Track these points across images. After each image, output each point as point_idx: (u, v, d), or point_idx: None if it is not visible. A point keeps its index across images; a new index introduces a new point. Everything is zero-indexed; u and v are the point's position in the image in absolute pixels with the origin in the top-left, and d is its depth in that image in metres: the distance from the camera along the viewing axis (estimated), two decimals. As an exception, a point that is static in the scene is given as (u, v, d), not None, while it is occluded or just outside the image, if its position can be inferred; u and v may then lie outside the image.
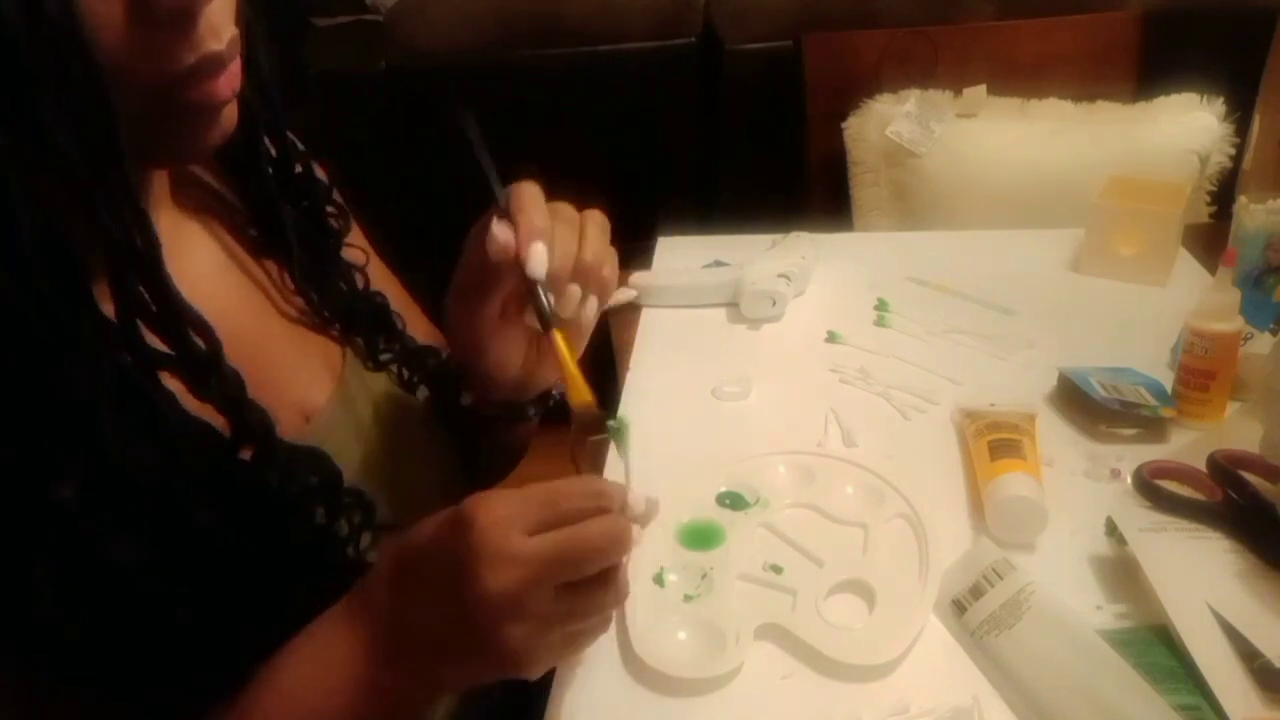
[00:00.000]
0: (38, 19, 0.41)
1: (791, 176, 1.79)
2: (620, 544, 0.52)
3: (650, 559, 0.71)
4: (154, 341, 0.50)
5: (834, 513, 0.76)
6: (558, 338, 0.63)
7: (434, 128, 0.69)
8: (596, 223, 0.66)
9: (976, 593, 0.66)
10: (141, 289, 0.49)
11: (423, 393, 0.76)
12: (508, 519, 0.50)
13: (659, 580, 0.69)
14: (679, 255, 1.18)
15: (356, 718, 0.53)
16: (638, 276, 1.08)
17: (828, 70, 1.72)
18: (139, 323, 0.49)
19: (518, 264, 0.61)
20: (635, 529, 0.54)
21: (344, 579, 0.56)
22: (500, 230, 0.61)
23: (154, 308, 0.49)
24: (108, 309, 0.49)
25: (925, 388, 0.91)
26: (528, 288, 0.62)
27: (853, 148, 1.69)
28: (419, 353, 0.76)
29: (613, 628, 0.67)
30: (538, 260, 0.61)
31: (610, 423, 0.62)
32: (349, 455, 0.65)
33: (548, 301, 0.63)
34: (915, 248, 1.23)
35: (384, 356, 0.73)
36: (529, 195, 0.63)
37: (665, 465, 0.82)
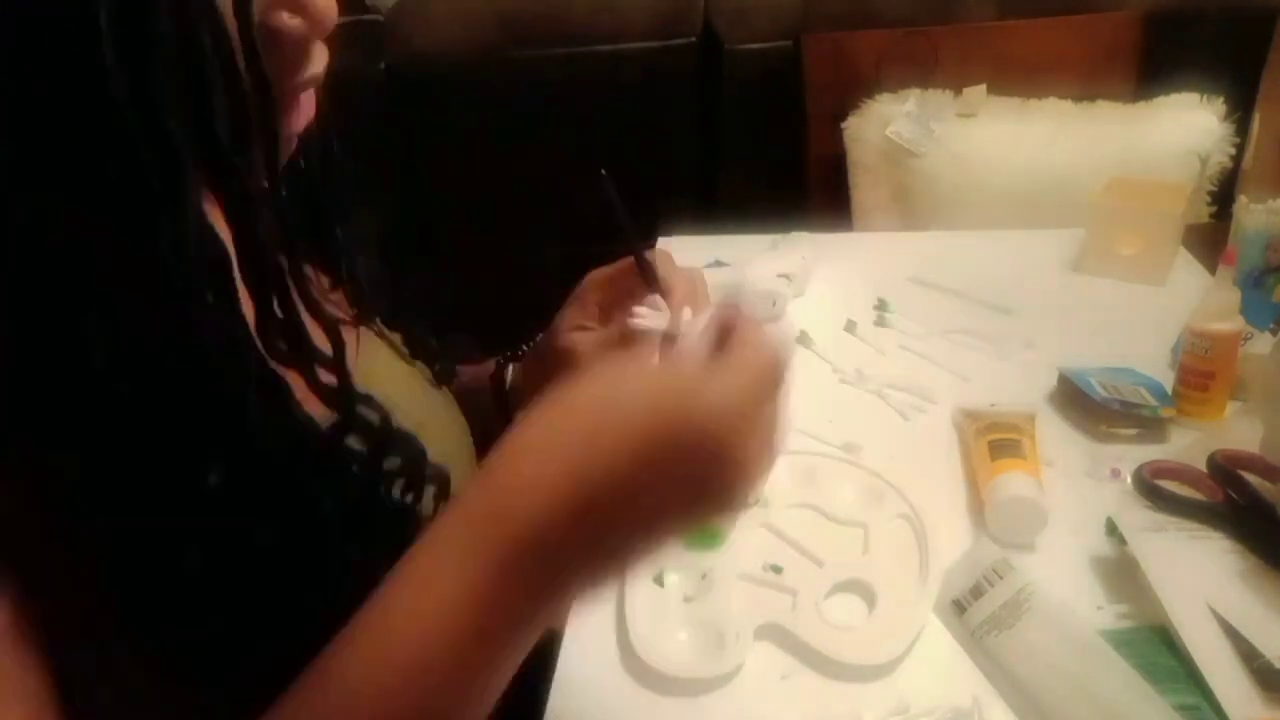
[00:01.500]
0: (220, 35, 0.44)
1: (791, 176, 1.80)
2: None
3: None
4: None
5: (834, 513, 0.76)
6: None
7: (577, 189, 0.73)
8: (703, 286, 0.74)
9: (976, 593, 0.66)
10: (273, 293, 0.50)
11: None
12: (725, 406, 0.45)
13: (659, 580, 0.69)
14: (679, 255, 1.17)
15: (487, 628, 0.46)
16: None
17: (828, 70, 1.72)
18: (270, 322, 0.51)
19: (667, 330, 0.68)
20: None
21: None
22: (657, 309, 0.68)
23: (280, 312, 0.51)
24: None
25: (925, 388, 0.91)
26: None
27: (853, 148, 1.69)
28: (443, 353, 0.77)
29: (612, 628, 0.67)
30: (686, 324, 0.68)
31: None
32: None
33: None
34: (915, 248, 1.23)
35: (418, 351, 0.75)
36: (672, 263, 0.72)
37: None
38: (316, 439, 0.53)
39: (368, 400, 0.56)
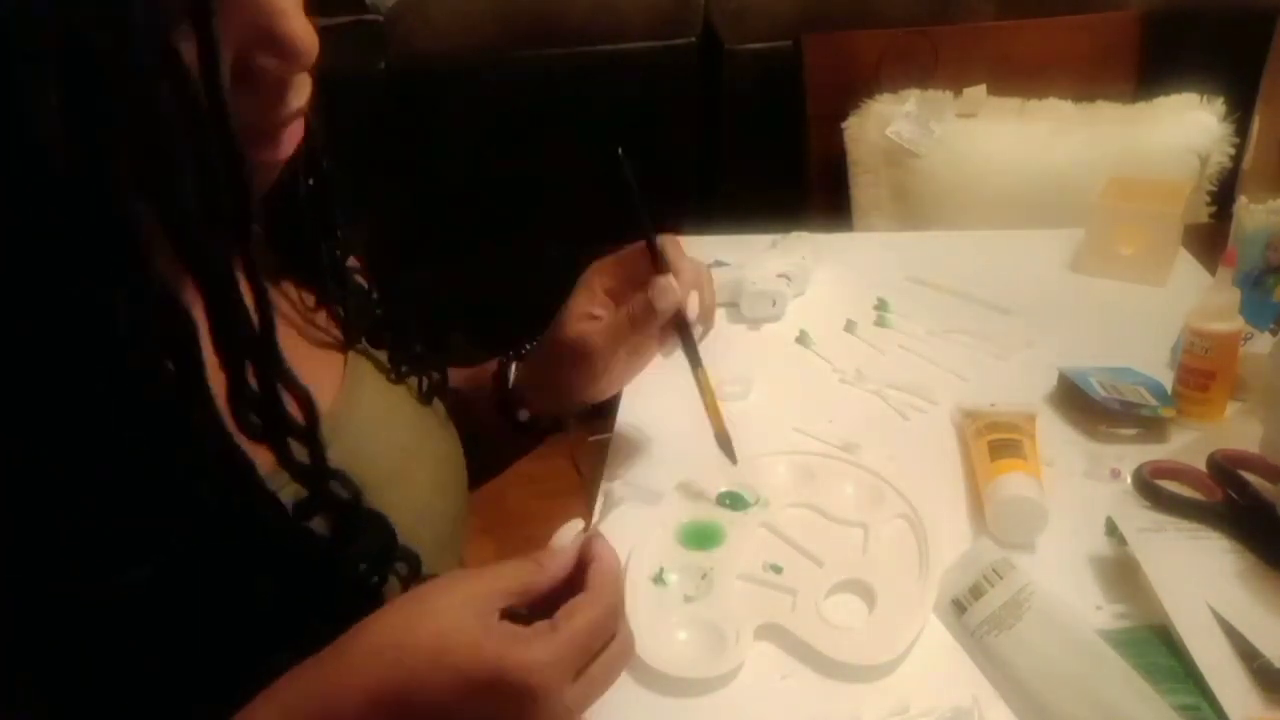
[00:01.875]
0: (185, 99, 0.41)
1: (791, 176, 1.79)
2: (627, 652, 0.53)
3: (650, 559, 0.71)
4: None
5: (834, 513, 0.76)
6: (704, 373, 0.75)
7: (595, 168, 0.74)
8: (709, 277, 0.77)
9: (976, 593, 0.66)
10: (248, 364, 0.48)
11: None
12: (559, 672, 0.48)
13: (659, 580, 0.69)
14: (679, 255, 1.18)
15: None
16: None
17: (828, 70, 1.72)
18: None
19: (679, 311, 0.72)
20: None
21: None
22: (669, 284, 0.71)
23: (255, 384, 0.48)
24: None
25: (925, 388, 0.91)
26: (681, 330, 0.73)
27: (853, 148, 1.69)
28: (432, 363, 0.77)
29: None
30: (694, 307, 0.73)
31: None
32: (356, 461, 0.65)
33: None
34: (915, 248, 1.23)
35: (404, 369, 0.74)
36: (680, 247, 0.74)
37: (665, 465, 0.82)
38: (277, 522, 0.51)
39: (340, 477, 0.54)
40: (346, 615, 0.52)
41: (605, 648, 0.52)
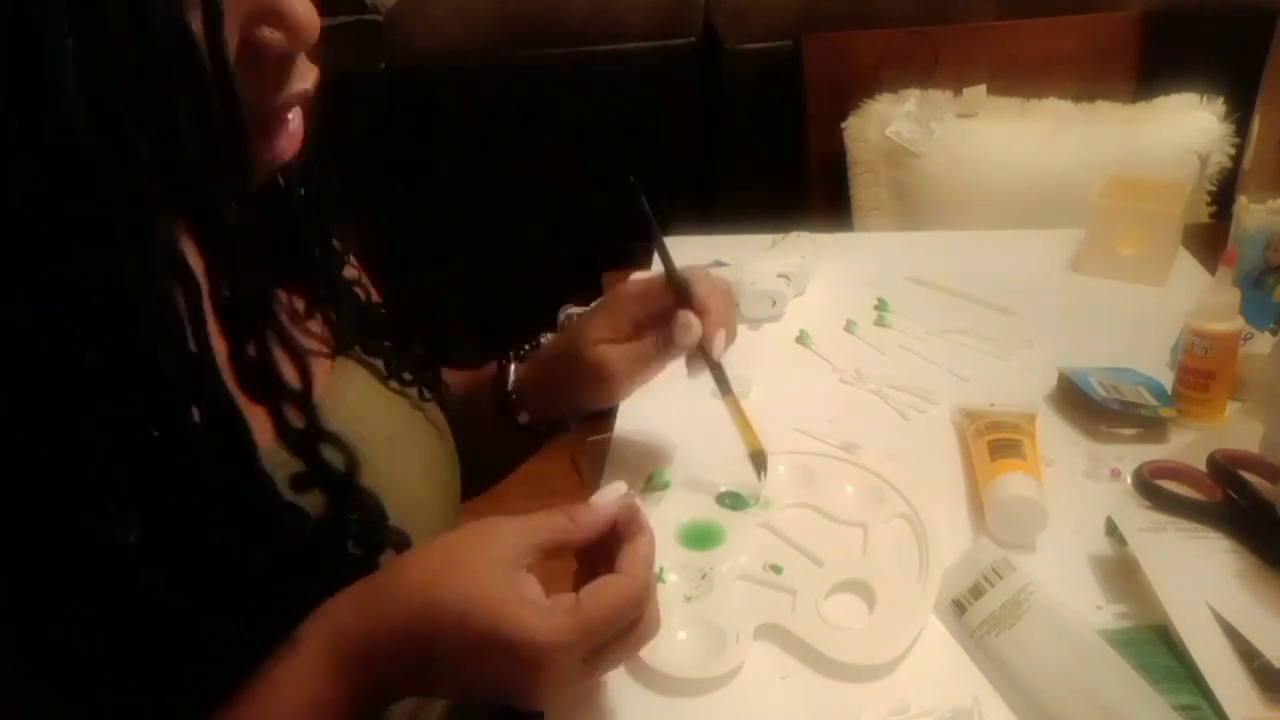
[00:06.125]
0: (189, 59, 0.43)
1: (791, 176, 1.80)
2: (649, 633, 0.55)
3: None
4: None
5: (834, 513, 0.76)
6: (734, 400, 0.76)
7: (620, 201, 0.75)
8: (733, 305, 0.78)
9: (976, 593, 0.66)
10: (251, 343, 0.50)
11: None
12: (571, 653, 0.51)
13: (659, 580, 0.69)
14: (679, 255, 1.18)
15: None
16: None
17: (828, 70, 1.72)
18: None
19: (701, 347, 0.73)
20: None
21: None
22: (692, 325, 0.72)
23: (253, 346, 0.50)
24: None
25: (925, 388, 0.91)
26: (710, 364, 0.75)
27: (853, 148, 1.69)
28: (430, 367, 0.77)
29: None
30: (720, 345, 0.74)
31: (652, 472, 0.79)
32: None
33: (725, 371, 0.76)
34: (915, 248, 1.23)
35: (405, 376, 0.74)
36: (708, 284, 0.75)
37: (666, 465, 0.82)
38: (269, 491, 0.52)
39: (334, 440, 0.55)
40: (337, 589, 0.54)
41: (629, 630, 0.54)
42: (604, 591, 0.52)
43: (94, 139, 0.41)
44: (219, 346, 0.48)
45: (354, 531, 0.57)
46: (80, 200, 0.42)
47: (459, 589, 0.51)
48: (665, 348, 0.73)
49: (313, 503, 0.54)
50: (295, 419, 0.52)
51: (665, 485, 0.79)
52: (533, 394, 0.80)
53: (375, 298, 0.76)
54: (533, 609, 0.51)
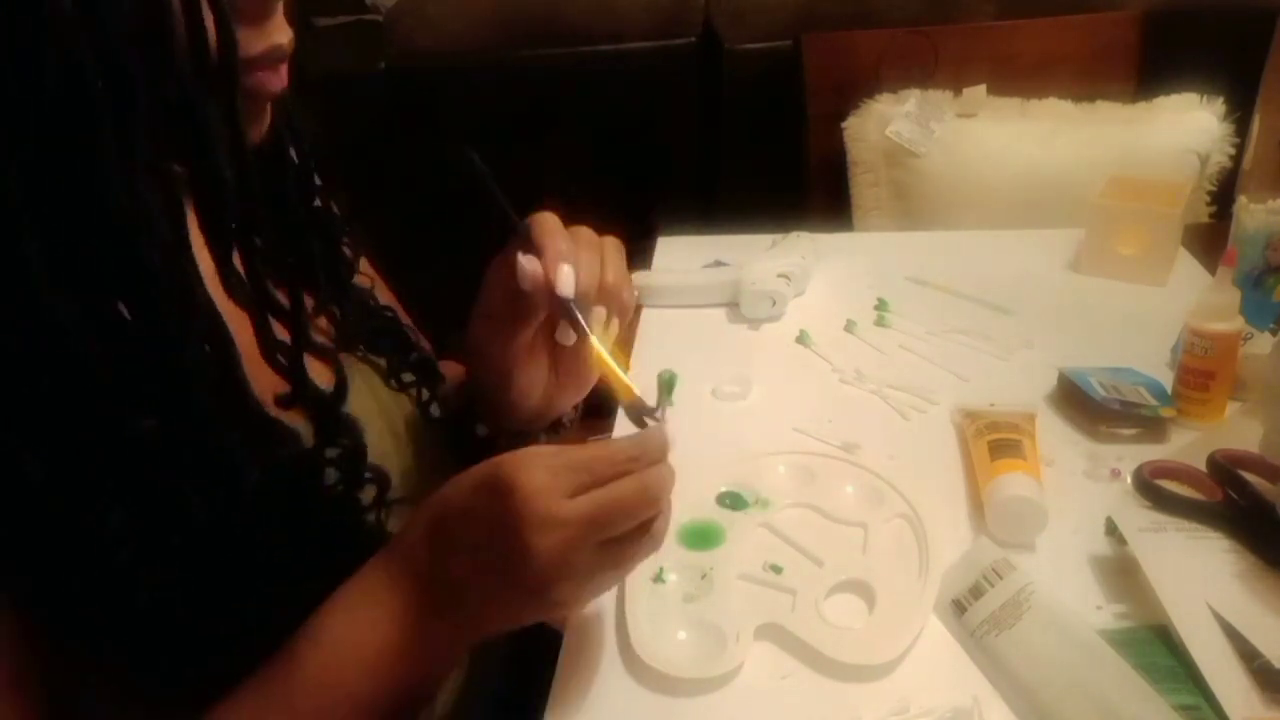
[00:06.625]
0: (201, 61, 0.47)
1: (791, 176, 1.79)
2: (654, 500, 0.55)
3: (650, 559, 0.70)
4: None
5: (834, 513, 0.76)
6: (596, 343, 0.65)
7: (442, 168, 0.72)
8: (615, 247, 0.69)
9: (976, 593, 0.66)
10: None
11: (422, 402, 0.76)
12: (549, 487, 0.52)
13: (659, 580, 0.69)
14: (679, 255, 1.18)
15: (401, 668, 0.55)
16: (638, 277, 1.08)
17: (828, 70, 1.72)
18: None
19: (548, 289, 0.64)
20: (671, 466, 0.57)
21: (363, 549, 0.57)
22: (528, 261, 0.65)
23: (240, 264, 0.53)
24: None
25: (925, 388, 0.91)
26: (560, 306, 0.65)
27: (853, 148, 1.69)
28: (435, 372, 0.77)
29: (612, 628, 0.67)
30: (566, 280, 0.65)
31: (661, 374, 0.74)
32: None
33: (581, 315, 0.66)
34: (915, 248, 1.23)
35: (406, 378, 0.73)
36: (551, 223, 0.68)
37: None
38: (253, 403, 0.54)
39: (318, 348, 0.58)
40: (322, 527, 0.56)
41: (632, 536, 0.55)
42: (615, 485, 0.54)
43: (91, 57, 0.43)
44: (205, 261, 0.50)
45: (337, 461, 0.58)
46: (72, 111, 0.44)
47: (484, 468, 0.54)
48: (515, 301, 0.66)
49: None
50: (280, 333, 0.54)
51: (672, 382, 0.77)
52: (479, 402, 0.76)
53: (386, 300, 0.76)
54: (544, 471, 0.53)
